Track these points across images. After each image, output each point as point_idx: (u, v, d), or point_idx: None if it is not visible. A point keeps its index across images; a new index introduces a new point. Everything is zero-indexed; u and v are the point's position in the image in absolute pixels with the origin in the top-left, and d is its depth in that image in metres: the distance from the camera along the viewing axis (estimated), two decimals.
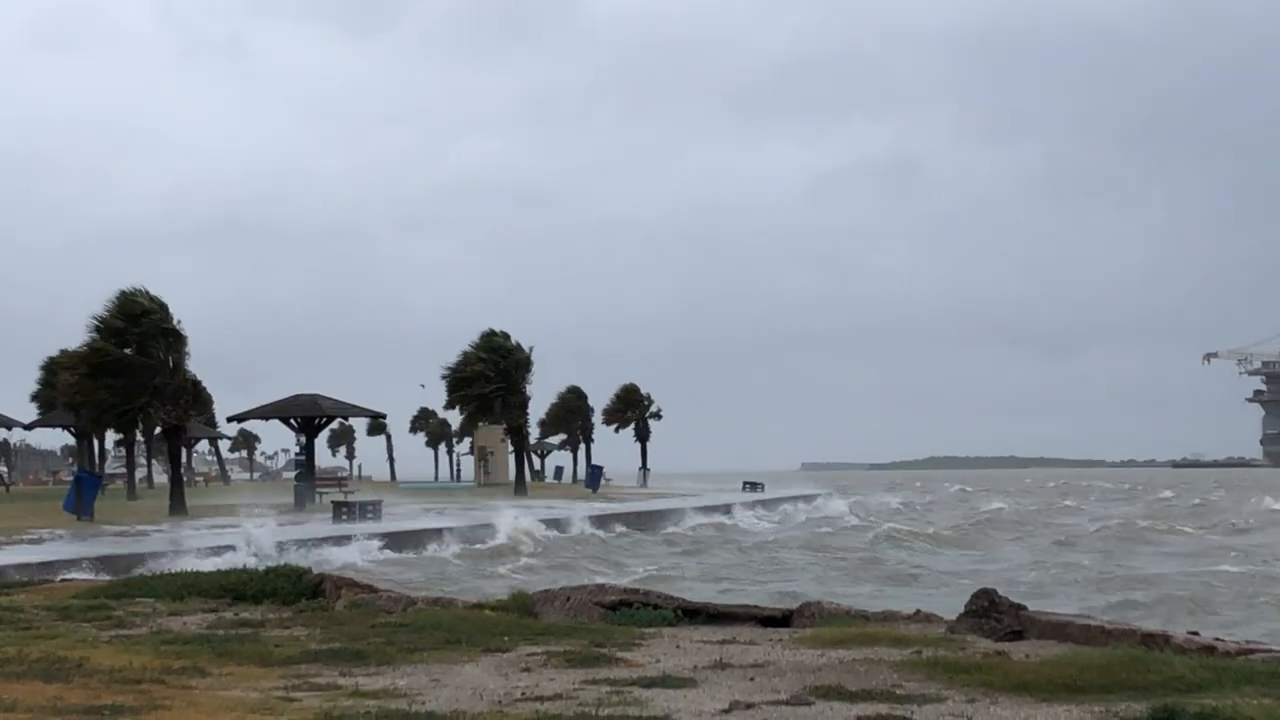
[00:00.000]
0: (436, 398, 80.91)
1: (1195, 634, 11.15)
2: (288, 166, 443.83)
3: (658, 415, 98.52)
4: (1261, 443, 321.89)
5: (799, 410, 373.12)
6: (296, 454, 65.49)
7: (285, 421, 57.20)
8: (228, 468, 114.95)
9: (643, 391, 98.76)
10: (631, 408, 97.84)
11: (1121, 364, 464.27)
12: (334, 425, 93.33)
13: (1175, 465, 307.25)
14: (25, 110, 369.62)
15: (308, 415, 55.65)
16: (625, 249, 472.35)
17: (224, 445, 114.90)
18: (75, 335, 48.14)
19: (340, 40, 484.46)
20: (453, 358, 73.37)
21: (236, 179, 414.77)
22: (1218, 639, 11.02)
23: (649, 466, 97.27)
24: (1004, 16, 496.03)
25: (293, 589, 15.99)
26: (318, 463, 61.43)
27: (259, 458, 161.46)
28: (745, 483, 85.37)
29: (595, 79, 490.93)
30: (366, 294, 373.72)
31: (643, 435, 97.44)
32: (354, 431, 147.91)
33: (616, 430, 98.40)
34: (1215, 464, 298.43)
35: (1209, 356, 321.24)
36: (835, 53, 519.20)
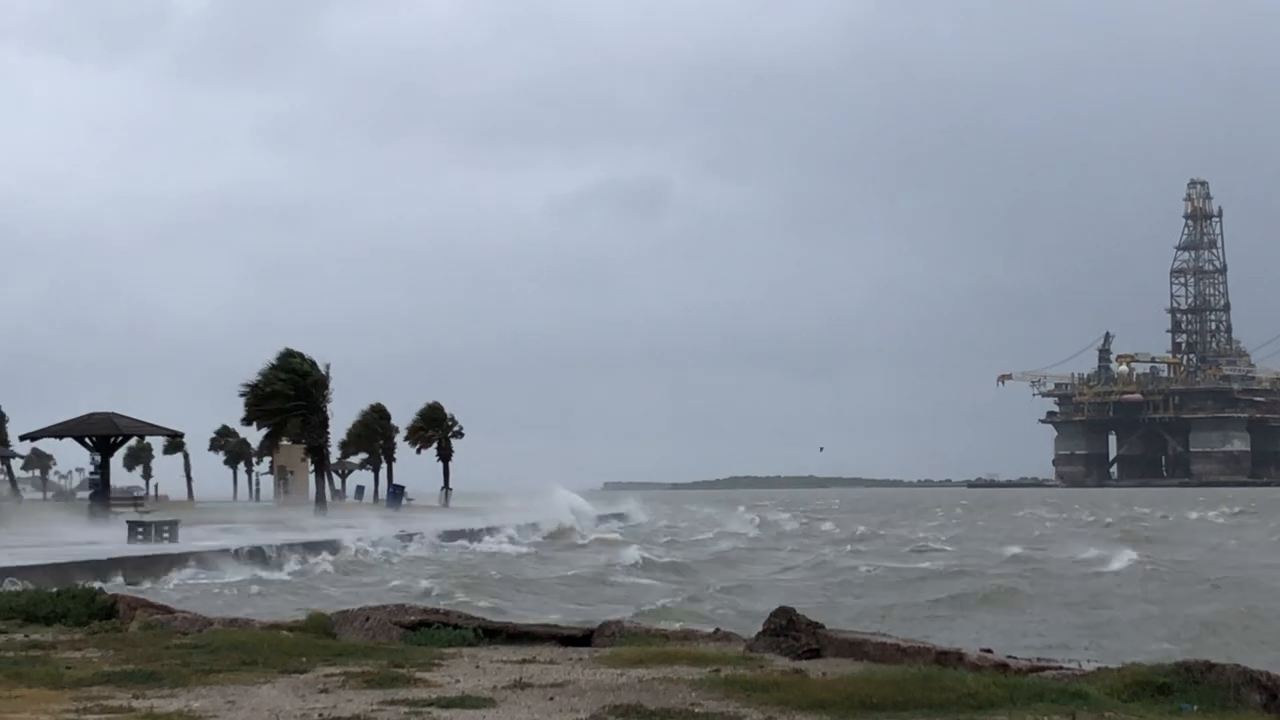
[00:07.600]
0: (234, 414, 79.54)
1: (989, 651, 11.37)
2: (38, 186, 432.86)
3: (460, 434, 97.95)
4: (1054, 463, 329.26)
5: (594, 429, 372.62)
6: (91, 473, 64.21)
7: (80, 440, 56.20)
8: (20, 487, 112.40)
9: (447, 411, 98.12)
10: (434, 426, 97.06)
11: (908, 386, 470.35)
12: (130, 444, 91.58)
13: (970, 485, 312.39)
14: None
15: (103, 434, 54.73)
16: (387, 270, 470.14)
17: (16, 464, 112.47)
18: None
19: (82, 66, 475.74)
20: (231, 375, 72.90)
21: None
22: (1010, 656, 11.25)
23: (451, 486, 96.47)
24: (732, 48, 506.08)
25: (85, 610, 15.70)
26: (113, 482, 60.34)
27: (53, 477, 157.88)
28: None
29: (335, 105, 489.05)
30: (125, 312, 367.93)
31: (445, 455, 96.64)
32: (151, 450, 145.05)
33: (419, 450, 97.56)
34: (1009, 484, 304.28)
35: (1003, 378, 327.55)
36: (572, 82, 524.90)
